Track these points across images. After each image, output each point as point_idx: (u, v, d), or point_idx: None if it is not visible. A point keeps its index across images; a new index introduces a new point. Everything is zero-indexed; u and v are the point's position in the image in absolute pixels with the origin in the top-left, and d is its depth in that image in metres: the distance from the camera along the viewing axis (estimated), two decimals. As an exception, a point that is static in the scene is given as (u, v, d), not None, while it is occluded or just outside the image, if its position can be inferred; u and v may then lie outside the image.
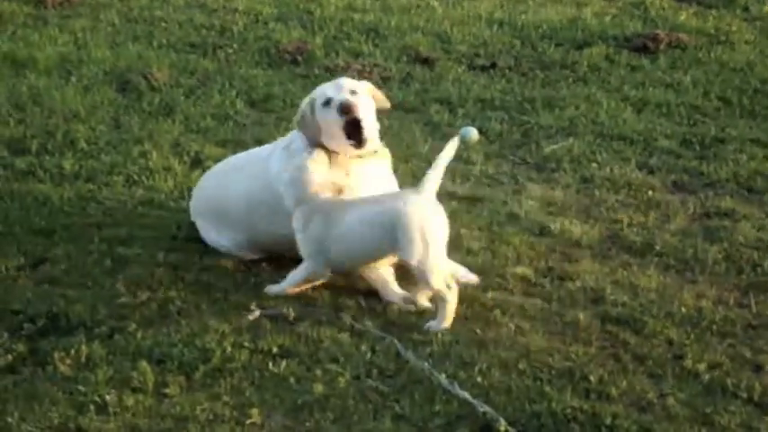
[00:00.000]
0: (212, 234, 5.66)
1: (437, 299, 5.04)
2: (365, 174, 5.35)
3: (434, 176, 5.15)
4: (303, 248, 5.24)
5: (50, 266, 5.46)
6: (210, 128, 7.29)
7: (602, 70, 8.74)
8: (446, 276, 5.05)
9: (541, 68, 8.79)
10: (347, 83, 5.39)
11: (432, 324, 5.00)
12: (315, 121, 5.32)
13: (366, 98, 5.37)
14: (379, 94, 5.50)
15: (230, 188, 5.63)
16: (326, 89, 5.37)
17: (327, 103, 5.29)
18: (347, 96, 5.28)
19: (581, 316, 5.18)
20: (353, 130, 5.25)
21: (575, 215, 6.29)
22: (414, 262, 5.01)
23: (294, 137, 5.45)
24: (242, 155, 5.91)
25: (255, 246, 5.57)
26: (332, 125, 5.27)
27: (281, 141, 5.58)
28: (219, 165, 5.92)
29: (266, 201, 5.44)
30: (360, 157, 5.32)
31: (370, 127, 5.33)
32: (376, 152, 5.41)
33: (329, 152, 5.28)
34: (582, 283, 5.50)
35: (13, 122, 7.31)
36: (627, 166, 6.97)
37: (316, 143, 5.30)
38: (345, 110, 5.23)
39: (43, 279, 5.35)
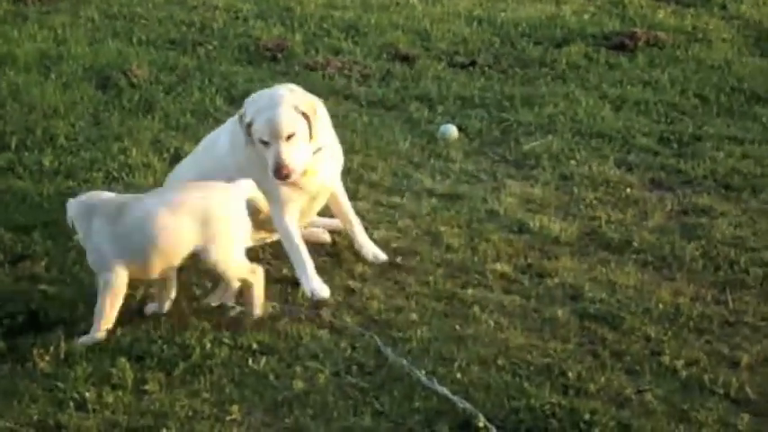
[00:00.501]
0: None
1: (244, 287, 4.98)
2: None
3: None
4: (91, 258, 4.96)
5: (30, 263, 5.45)
6: (190, 125, 7.29)
7: (580, 68, 8.77)
8: (245, 266, 4.97)
9: (521, 66, 8.82)
10: (283, 126, 5.26)
11: (244, 309, 4.99)
12: (246, 138, 5.35)
13: (302, 131, 5.31)
14: (316, 112, 5.39)
15: (187, 173, 5.69)
16: (263, 130, 5.27)
17: (264, 143, 5.29)
18: (282, 156, 5.23)
19: (559, 312, 5.21)
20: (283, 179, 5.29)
21: (553, 212, 6.32)
22: (214, 256, 4.89)
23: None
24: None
25: None
26: (264, 159, 5.29)
27: (227, 126, 5.67)
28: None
29: (218, 172, 5.47)
30: None
31: (301, 165, 5.31)
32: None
33: None
34: (560, 280, 5.53)
35: (-8, 119, 7.30)
36: (605, 163, 7.00)
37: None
38: (280, 176, 5.25)
39: (22, 275, 5.35)
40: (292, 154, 5.25)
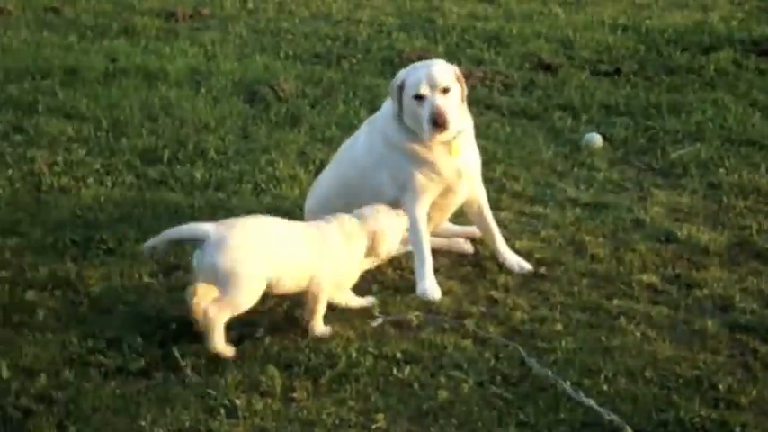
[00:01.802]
0: None
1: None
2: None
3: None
4: None
5: (182, 273, 5.58)
6: (335, 137, 7.39)
7: (729, 75, 8.60)
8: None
9: (667, 73, 8.69)
10: (440, 77, 5.35)
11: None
12: (398, 103, 5.42)
13: (456, 90, 5.41)
14: (462, 77, 5.51)
15: (327, 180, 5.82)
16: (419, 82, 5.35)
17: (419, 98, 5.35)
18: (439, 104, 5.30)
19: (709, 324, 5.10)
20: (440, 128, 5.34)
21: (702, 221, 6.20)
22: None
23: (378, 116, 5.62)
24: None
25: None
26: (418, 116, 5.36)
27: (363, 126, 5.76)
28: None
29: (354, 174, 5.60)
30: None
31: (456, 119, 5.38)
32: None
33: None
34: (710, 291, 5.41)
35: (146, 133, 7.52)
36: (756, 171, 6.84)
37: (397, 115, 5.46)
38: (438, 123, 5.29)
39: (175, 286, 5.47)
40: (448, 106, 5.32)
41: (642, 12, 10.38)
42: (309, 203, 5.92)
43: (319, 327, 5.02)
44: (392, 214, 5.21)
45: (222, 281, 4.77)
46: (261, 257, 4.82)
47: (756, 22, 9.89)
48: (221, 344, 4.80)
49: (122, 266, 5.63)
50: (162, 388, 4.66)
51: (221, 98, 8.17)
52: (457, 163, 5.47)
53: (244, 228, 4.86)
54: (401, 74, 5.49)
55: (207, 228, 4.85)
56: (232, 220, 4.94)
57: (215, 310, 4.77)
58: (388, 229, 5.16)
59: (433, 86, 5.33)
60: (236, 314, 4.82)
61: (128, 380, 4.71)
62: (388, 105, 5.57)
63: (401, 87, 5.41)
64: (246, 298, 4.83)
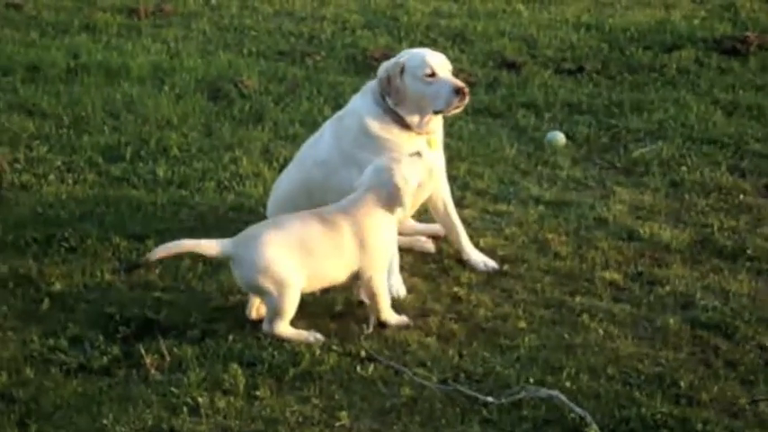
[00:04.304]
0: None
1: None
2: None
3: None
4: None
5: (144, 271, 5.55)
6: (299, 134, 7.37)
7: (691, 73, 8.65)
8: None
9: (629, 72, 8.73)
10: (445, 58, 5.56)
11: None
12: (403, 86, 5.41)
13: None
14: None
15: (289, 180, 5.78)
16: (429, 63, 5.45)
17: (431, 76, 5.41)
18: (459, 82, 5.45)
19: (671, 321, 5.14)
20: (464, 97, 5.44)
21: (664, 219, 6.24)
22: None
23: (346, 112, 5.59)
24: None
25: None
26: (427, 94, 5.40)
27: (327, 125, 5.72)
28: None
29: (319, 173, 5.57)
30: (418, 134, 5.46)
31: None
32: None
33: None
34: (672, 288, 5.45)
35: (108, 130, 7.47)
36: (717, 169, 6.89)
37: (385, 106, 5.44)
38: (463, 92, 5.40)
39: (137, 283, 5.45)
40: None
41: (605, 10, 10.43)
42: (271, 203, 5.89)
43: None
44: (405, 163, 5.08)
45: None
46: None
47: (718, 20, 9.96)
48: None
49: (84, 264, 5.60)
50: (124, 386, 4.64)
51: (184, 95, 8.13)
52: (430, 159, 5.47)
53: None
54: (392, 63, 5.49)
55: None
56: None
57: None
58: (406, 180, 5.04)
59: (442, 65, 5.48)
60: None
61: (90, 378, 4.69)
62: (358, 102, 5.55)
63: (402, 71, 5.41)
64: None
